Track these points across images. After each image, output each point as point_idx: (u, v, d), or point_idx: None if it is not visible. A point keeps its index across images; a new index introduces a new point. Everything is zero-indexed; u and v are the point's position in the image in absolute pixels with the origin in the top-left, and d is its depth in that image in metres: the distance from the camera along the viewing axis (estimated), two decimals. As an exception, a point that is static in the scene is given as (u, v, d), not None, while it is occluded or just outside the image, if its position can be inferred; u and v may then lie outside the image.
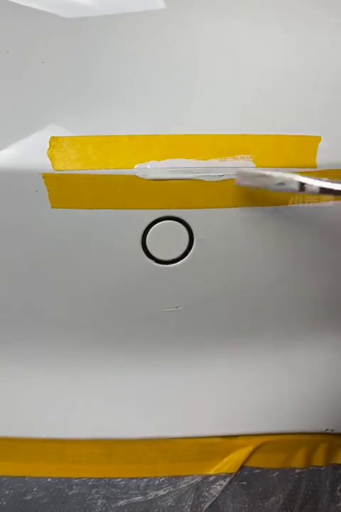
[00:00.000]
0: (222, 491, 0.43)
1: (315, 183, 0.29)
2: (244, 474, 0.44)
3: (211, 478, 0.43)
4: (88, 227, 0.34)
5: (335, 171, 0.34)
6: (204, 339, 0.42)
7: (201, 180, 0.33)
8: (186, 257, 0.36)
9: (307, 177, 0.30)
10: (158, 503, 0.43)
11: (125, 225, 0.34)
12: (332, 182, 0.29)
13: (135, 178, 0.32)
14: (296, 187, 0.30)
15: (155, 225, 0.34)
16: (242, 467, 0.44)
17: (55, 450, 0.43)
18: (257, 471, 0.44)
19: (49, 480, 0.43)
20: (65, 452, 0.43)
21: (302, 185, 0.30)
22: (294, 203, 0.34)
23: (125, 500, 0.43)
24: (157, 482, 0.44)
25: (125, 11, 0.36)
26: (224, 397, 0.43)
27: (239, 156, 0.33)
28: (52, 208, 0.33)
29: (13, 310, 0.40)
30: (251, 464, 0.44)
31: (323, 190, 0.29)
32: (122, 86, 0.34)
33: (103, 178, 0.32)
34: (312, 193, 0.30)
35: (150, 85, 0.34)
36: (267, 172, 0.31)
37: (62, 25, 0.36)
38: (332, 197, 0.31)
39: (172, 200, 0.33)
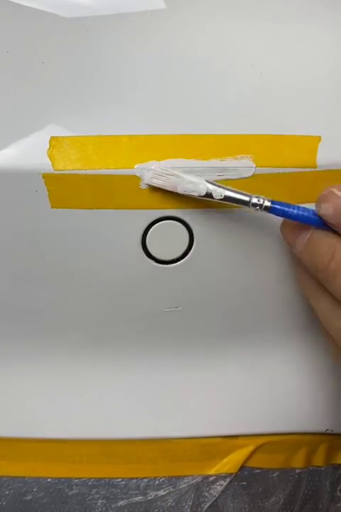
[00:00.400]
0: (222, 491, 0.43)
1: (220, 191, 0.31)
2: (244, 474, 0.44)
3: (211, 479, 0.43)
4: (88, 227, 0.34)
5: (335, 171, 0.34)
6: (204, 339, 0.42)
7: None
8: (186, 257, 0.36)
9: (214, 184, 0.31)
10: (158, 503, 0.43)
11: (125, 225, 0.34)
12: (236, 192, 0.31)
13: (135, 178, 0.32)
14: (203, 192, 0.31)
15: (155, 225, 0.34)
16: (242, 467, 0.44)
17: (55, 450, 0.43)
18: (257, 471, 0.44)
19: (49, 480, 0.43)
20: (64, 452, 0.43)
21: (209, 191, 0.31)
22: (294, 203, 0.34)
23: (125, 501, 0.43)
24: (157, 482, 0.44)
25: (125, 10, 0.36)
26: (224, 397, 0.43)
27: (239, 156, 0.33)
28: (52, 207, 0.33)
29: (13, 310, 0.40)
30: (251, 464, 0.44)
31: (227, 199, 0.31)
32: (122, 86, 0.34)
33: (103, 178, 0.32)
34: (219, 200, 0.31)
35: (150, 85, 0.34)
36: (179, 173, 0.31)
37: (62, 25, 0.36)
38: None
39: (172, 200, 0.33)
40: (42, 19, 0.36)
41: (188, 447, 0.43)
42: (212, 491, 0.43)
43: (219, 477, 0.43)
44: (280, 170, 0.33)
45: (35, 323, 0.40)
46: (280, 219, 0.34)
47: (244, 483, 0.44)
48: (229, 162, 0.33)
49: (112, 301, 0.39)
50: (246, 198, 0.31)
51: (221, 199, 0.31)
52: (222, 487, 0.43)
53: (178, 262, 0.36)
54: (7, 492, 0.43)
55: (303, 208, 0.31)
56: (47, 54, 0.35)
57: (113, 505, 0.43)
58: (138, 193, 0.33)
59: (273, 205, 0.31)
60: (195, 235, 0.35)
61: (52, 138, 0.32)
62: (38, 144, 0.32)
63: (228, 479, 0.43)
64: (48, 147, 0.32)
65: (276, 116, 0.34)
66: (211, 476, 0.43)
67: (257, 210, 0.31)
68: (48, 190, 0.32)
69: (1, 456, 0.43)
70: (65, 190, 0.32)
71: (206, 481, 0.43)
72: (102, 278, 0.38)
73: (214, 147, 0.33)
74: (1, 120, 0.33)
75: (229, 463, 0.43)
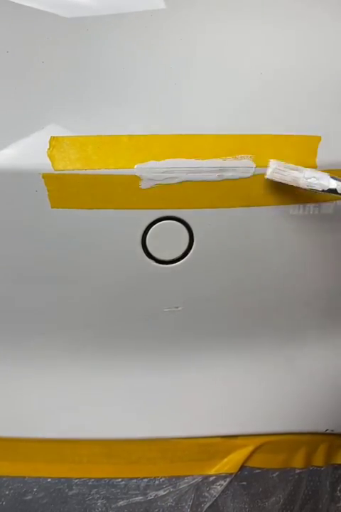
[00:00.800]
0: (222, 491, 0.43)
1: None
2: (244, 474, 0.44)
3: (211, 479, 0.43)
4: (88, 227, 0.34)
5: (335, 171, 0.34)
6: (203, 339, 0.42)
7: (201, 180, 0.33)
8: (186, 257, 0.36)
9: (338, 179, 0.31)
10: (158, 503, 0.43)
11: (125, 225, 0.34)
12: None
13: (135, 178, 0.32)
14: (327, 187, 0.31)
15: (155, 225, 0.34)
16: (242, 467, 0.44)
17: (55, 450, 0.43)
18: (257, 471, 0.44)
19: (49, 480, 0.43)
20: (64, 452, 0.43)
21: (332, 187, 0.31)
22: (294, 203, 0.35)
23: (125, 501, 0.43)
24: (157, 482, 0.44)
25: (125, 10, 0.36)
26: (224, 397, 0.43)
27: (239, 156, 0.33)
28: (52, 207, 0.33)
29: (13, 310, 0.40)
30: (251, 464, 0.44)
31: None
32: (122, 86, 0.34)
33: (103, 178, 0.32)
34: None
35: (150, 85, 0.34)
36: (300, 167, 0.31)
37: (62, 25, 0.36)
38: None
39: (172, 200, 0.33)
40: (42, 19, 0.36)
41: (188, 447, 0.43)
42: (212, 491, 0.43)
43: (219, 477, 0.43)
44: (280, 170, 0.33)
45: (35, 323, 0.40)
46: (282, 218, 0.34)
47: (244, 483, 0.44)
48: (229, 162, 0.33)
49: (112, 301, 0.39)
50: None
51: None
52: (222, 487, 0.43)
53: (178, 262, 0.36)
54: (7, 492, 0.43)
55: None
56: (47, 54, 0.35)
57: (113, 505, 0.43)
58: (138, 193, 0.33)
59: None
60: (195, 235, 0.35)
61: (52, 138, 0.32)
62: (38, 144, 0.32)
63: (228, 479, 0.43)
64: (48, 147, 0.32)
65: (276, 116, 0.34)
66: (211, 476, 0.43)
67: None
68: (48, 190, 0.32)
69: (1, 456, 0.43)
70: (65, 190, 0.32)
71: (206, 481, 0.43)
72: (102, 278, 0.38)
73: (214, 147, 0.33)
74: (1, 120, 0.33)
75: (229, 463, 0.43)
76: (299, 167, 0.31)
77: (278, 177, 0.31)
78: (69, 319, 0.40)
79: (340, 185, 0.31)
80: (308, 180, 0.31)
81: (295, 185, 0.31)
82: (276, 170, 0.31)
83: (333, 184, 0.31)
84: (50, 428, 0.42)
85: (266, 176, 0.32)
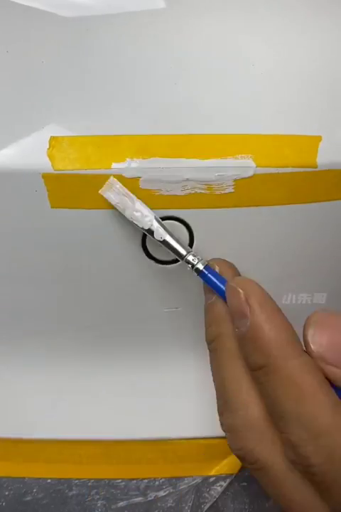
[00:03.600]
0: (223, 492, 0.43)
1: (162, 232, 0.31)
2: (244, 475, 0.44)
3: (211, 479, 0.43)
4: (88, 227, 0.34)
5: (335, 171, 0.34)
6: (204, 339, 0.42)
7: (201, 180, 0.33)
8: (186, 257, 0.36)
9: (160, 223, 0.31)
10: (158, 504, 0.43)
11: (125, 225, 0.34)
12: (176, 242, 0.32)
13: (135, 177, 0.32)
14: (146, 227, 0.31)
15: (156, 225, 0.34)
16: (242, 468, 0.43)
17: (55, 450, 0.43)
18: (257, 471, 0.44)
19: (49, 481, 0.43)
20: (64, 452, 0.43)
21: (151, 229, 0.31)
22: (295, 204, 0.34)
23: (125, 501, 0.43)
24: (157, 483, 0.43)
25: (125, 10, 0.36)
26: (224, 397, 0.43)
27: (239, 156, 0.33)
28: (51, 207, 0.33)
29: (12, 310, 0.40)
30: (251, 464, 0.44)
31: (165, 243, 0.32)
32: (122, 86, 0.34)
33: (103, 178, 0.32)
34: (158, 240, 0.32)
35: (150, 85, 0.34)
36: (134, 198, 0.31)
37: (62, 25, 0.36)
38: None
39: (172, 200, 0.33)
40: (42, 19, 0.36)
41: (188, 448, 0.43)
42: (212, 492, 0.43)
43: (219, 478, 0.43)
44: (281, 170, 0.33)
45: (35, 324, 0.40)
46: (282, 218, 0.34)
47: (245, 483, 0.44)
48: (229, 162, 0.33)
49: (112, 301, 0.39)
50: (183, 252, 0.31)
51: (160, 241, 0.31)
52: (222, 488, 0.43)
53: (178, 262, 0.36)
54: (7, 493, 0.43)
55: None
56: (47, 54, 0.35)
57: (113, 506, 0.43)
58: (138, 193, 0.32)
59: (203, 270, 0.31)
60: (195, 235, 0.35)
61: (52, 138, 0.32)
62: (38, 144, 0.32)
63: (228, 480, 0.43)
64: (48, 147, 0.32)
65: (276, 116, 0.34)
66: (211, 476, 0.43)
67: (189, 268, 0.32)
68: (48, 190, 0.32)
69: (1, 456, 0.43)
70: (65, 190, 0.32)
71: (206, 482, 0.43)
72: (102, 278, 0.38)
73: (214, 147, 0.33)
74: (1, 120, 0.33)
75: (229, 463, 0.43)
76: (134, 197, 0.31)
77: (111, 197, 0.31)
78: (69, 319, 0.40)
79: (158, 231, 0.31)
80: (134, 213, 0.31)
81: (121, 211, 0.31)
82: (112, 189, 0.31)
83: (154, 226, 0.31)
84: (50, 428, 0.42)
85: (100, 191, 0.31)
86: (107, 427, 0.42)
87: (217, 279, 0.31)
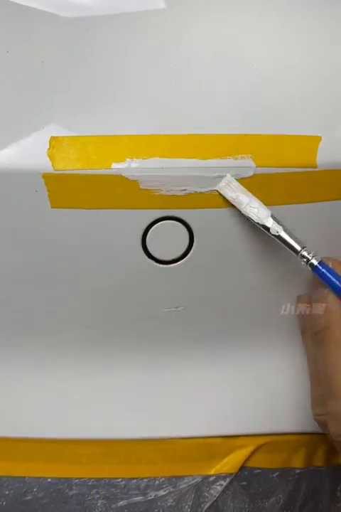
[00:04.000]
0: (222, 491, 0.43)
1: (277, 228, 0.33)
2: (244, 474, 0.44)
3: (211, 479, 0.43)
4: (88, 227, 0.34)
5: (335, 171, 0.34)
6: (204, 339, 0.42)
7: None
8: (186, 257, 0.36)
9: (276, 220, 0.32)
10: (158, 503, 0.43)
11: (125, 225, 0.34)
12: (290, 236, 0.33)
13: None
14: (261, 221, 0.33)
15: (155, 225, 0.34)
16: (242, 467, 0.44)
17: (55, 450, 0.43)
18: (257, 471, 0.44)
19: (49, 480, 0.43)
20: (64, 452, 0.43)
21: (267, 226, 0.33)
22: (294, 204, 0.35)
23: (125, 501, 0.43)
24: (157, 482, 0.43)
25: (125, 10, 0.36)
26: (224, 397, 0.43)
27: (239, 156, 0.33)
28: (52, 207, 0.33)
29: (13, 310, 0.40)
30: (251, 464, 0.44)
31: (279, 238, 0.33)
32: (122, 86, 0.34)
33: (103, 178, 0.32)
34: (273, 235, 0.33)
35: (150, 85, 0.34)
36: (251, 195, 0.32)
37: (62, 25, 0.36)
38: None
39: (172, 200, 0.33)
40: (42, 19, 0.36)
41: (188, 447, 0.43)
42: (212, 491, 0.43)
43: (219, 477, 0.43)
44: (281, 170, 0.33)
45: (35, 323, 0.40)
46: (282, 218, 0.34)
47: (244, 483, 0.44)
48: (229, 162, 0.33)
49: (112, 301, 0.39)
50: (298, 247, 0.33)
51: (275, 236, 0.33)
52: (222, 487, 0.43)
53: (178, 262, 0.36)
54: (7, 492, 0.43)
55: None
56: (47, 54, 0.35)
57: (113, 506, 0.43)
58: (138, 193, 0.33)
59: (317, 265, 0.33)
60: (195, 235, 0.35)
61: (52, 138, 0.32)
62: (38, 144, 0.32)
63: (228, 479, 0.43)
64: (48, 147, 0.32)
65: (276, 116, 0.34)
66: (211, 476, 0.43)
67: (303, 263, 0.33)
68: (48, 190, 0.32)
69: (1, 456, 0.43)
70: (65, 190, 0.32)
71: (206, 481, 0.43)
72: (102, 278, 0.38)
73: (214, 147, 0.33)
74: (1, 120, 0.33)
75: (229, 463, 0.43)
76: (250, 194, 0.33)
77: (227, 194, 0.33)
78: (69, 319, 0.40)
79: (273, 227, 0.32)
80: (251, 208, 0.32)
81: (237, 207, 0.33)
82: (229, 186, 0.33)
83: (269, 222, 0.32)
84: (50, 428, 0.42)
85: (217, 188, 0.33)
86: (107, 426, 0.42)
87: (330, 274, 0.33)
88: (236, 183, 0.33)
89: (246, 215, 0.33)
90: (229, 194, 0.33)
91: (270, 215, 0.32)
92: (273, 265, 0.38)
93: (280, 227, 0.33)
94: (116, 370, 0.43)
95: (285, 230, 0.33)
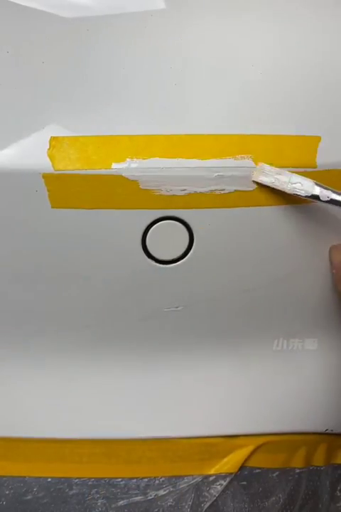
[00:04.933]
0: (222, 491, 0.43)
1: (327, 193, 0.31)
2: (244, 474, 0.44)
3: (211, 478, 0.43)
4: (88, 227, 0.34)
5: (335, 171, 0.34)
6: (204, 339, 0.42)
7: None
8: (186, 257, 0.36)
9: (322, 186, 0.31)
10: (158, 503, 0.43)
11: (125, 225, 0.34)
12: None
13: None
14: (310, 192, 0.31)
15: (155, 225, 0.34)
16: (242, 467, 0.44)
17: (55, 450, 0.43)
18: (257, 471, 0.44)
19: (49, 480, 0.43)
20: (64, 452, 0.43)
21: (316, 194, 0.31)
22: (294, 204, 0.35)
23: (125, 500, 0.43)
24: (157, 482, 0.44)
25: (125, 10, 0.36)
26: (224, 397, 0.43)
27: (239, 156, 0.33)
28: (52, 207, 0.33)
29: (12, 310, 0.40)
30: (251, 463, 0.44)
31: (333, 201, 0.31)
32: (122, 86, 0.34)
33: (103, 178, 0.32)
34: (325, 202, 0.31)
35: (150, 85, 0.34)
36: (286, 172, 0.32)
37: (62, 25, 0.36)
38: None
39: (172, 200, 0.33)
40: (42, 19, 0.36)
41: (188, 447, 0.43)
42: (212, 491, 0.43)
43: (219, 477, 0.43)
44: (280, 170, 0.33)
45: (35, 323, 0.40)
46: (282, 218, 0.34)
47: (244, 482, 0.44)
48: (229, 162, 0.33)
49: (112, 301, 0.39)
50: None
51: (327, 201, 0.31)
52: (222, 487, 0.43)
53: (178, 262, 0.36)
54: (7, 492, 0.43)
55: None
56: (47, 54, 0.35)
57: (113, 505, 0.43)
58: (138, 193, 0.33)
59: None
60: (195, 235, 0.35)
61: (52, 138, 0.32)
62: (38, 144, 0.32)
63: (228, 479, 0.43)
64: (48, 147, 0.32)
65: (276, 116, 0.34)
66: (211, 475, 0.43)
67: None
68: (48, 190, 0.32)
69: (1, 456, 0.43)
70: (65, 190, 0.32)
71: (206, 481, 0.43)
72: (102, 278, 0.38)
73: (214, 147, 0.33)
74: (1, 120, 0.33)
75: (229, 463, 0.43)
76: (286, 171, 0.32)
77: (265, 180, 0.32)
78: (69, 319, 0.40)
79: (323, 193, 0.31)
80: (294, 185, 0.31)
81: (280, 189, 0.32)
82: (263, 173, 0.32)
83: (317, 191, 0.31)
84: (50, 428, 0.42)
85: (252, 179, 0.32)
86: (107, 426, 0.42)
87: None
88: (269, 167, 0.32)
89: (292, 193, 0.32)
90: (267, 180, 0.32)
91: (314, 183, 0.31)
92: (273, 264, 0.38)
93: (329, 191, 0.31)
94: (116, 370, 0.43)
95: (335, 192, 0.31)
